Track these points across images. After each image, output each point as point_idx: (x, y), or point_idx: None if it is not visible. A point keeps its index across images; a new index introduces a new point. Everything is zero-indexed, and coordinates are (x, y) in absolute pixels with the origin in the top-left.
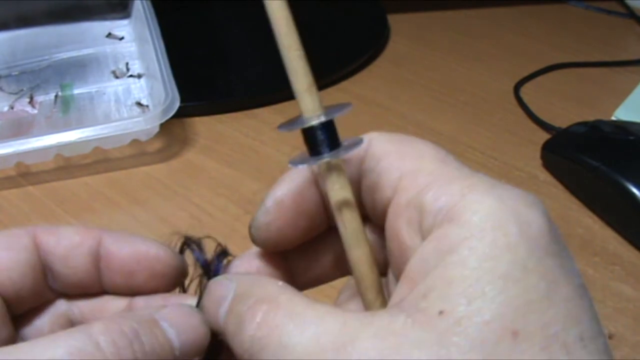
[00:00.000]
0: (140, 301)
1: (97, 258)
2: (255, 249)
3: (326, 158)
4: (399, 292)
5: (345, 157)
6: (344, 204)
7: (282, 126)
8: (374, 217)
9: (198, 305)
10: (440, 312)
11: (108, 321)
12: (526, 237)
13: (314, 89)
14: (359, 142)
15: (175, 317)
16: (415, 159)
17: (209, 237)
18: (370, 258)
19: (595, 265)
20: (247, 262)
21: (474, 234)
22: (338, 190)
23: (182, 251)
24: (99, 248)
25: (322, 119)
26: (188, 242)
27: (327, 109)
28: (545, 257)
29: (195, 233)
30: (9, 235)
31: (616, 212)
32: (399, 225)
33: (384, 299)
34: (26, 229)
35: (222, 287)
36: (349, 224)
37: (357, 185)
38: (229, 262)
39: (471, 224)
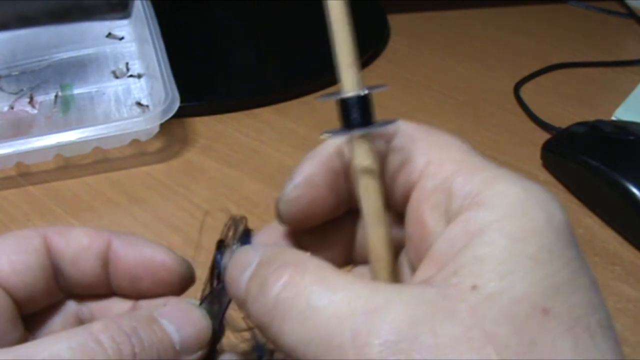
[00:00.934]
0: (143, 303)
1: (105, 261)
2: (266, 230)
3: (358, 132)
4: (423, 271)
5: (376, 132)
6: (369, 181)
7: (321, 97)
8: (394, 202)
9: (201, 303)
10: (473, 287)
11: (107, 320)
12: (551, 226)
13: (357, 65)
14: (392, 121)
15: (174, 313)
16: (442, 147)
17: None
18: (388, 239)
19: (595, 265)
20: (262, 240)
21: (502, 217)
22: (366, 167)
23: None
24: (108, 251)
25: (360, 93)
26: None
27: (366, 87)
28: (568, 247)
29: (195, 233)
30: (21, 238)
31: (616, 212)
32: (423, 209)
33: (396, 281)
34: (37, 230)
35: (247, 255)
36: (372, 202)
37: (381, 168)
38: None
39: (500, 208)
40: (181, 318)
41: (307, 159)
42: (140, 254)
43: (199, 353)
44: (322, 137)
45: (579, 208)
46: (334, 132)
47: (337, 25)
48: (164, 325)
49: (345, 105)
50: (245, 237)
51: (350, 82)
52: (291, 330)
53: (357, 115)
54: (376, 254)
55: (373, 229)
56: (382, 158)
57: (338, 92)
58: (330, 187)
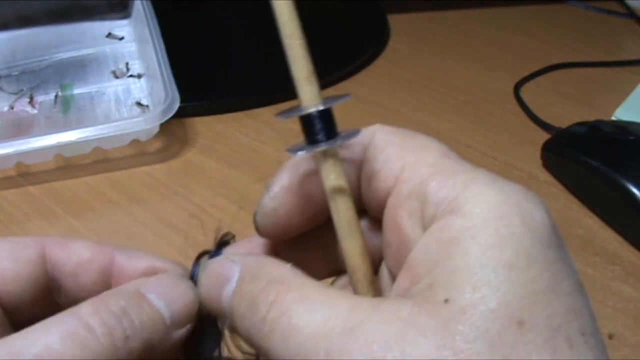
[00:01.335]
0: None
1: (107, 276)
2: (246, 241)
3: (322, 147)
4: (400, 282)
5: (342, 146)
6: (338, 193)
7: (280, 114)
8: (370, 208)
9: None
10: (446, 301)
11: (96, 301)
12: (529, 228)
13: (313, 78)
14: (356, 133)
15: (161, 287)
16: (418, 151)
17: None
18: (363, 249)
19: (595, 265)
20: (241, 250)
21: (476, 224)
22: (333, 180)
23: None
24: (111, 266)
25: (320, 107)
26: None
27: (326, 99)
28: (548, 249)
29: (195, 233)
30: (17, 245)
31: (616, 212)
32: (400, 215)
33: (375, 291)
34: (35, 239)
35: (224, 267)
36: (342, 214)
37: (357, 173)
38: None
39: (473, 214)
40: (169, 291)
41: (283, 169)
42: (148, 266)
43: (188, 326)
44: (286, 154)
45: (579, 208)
46: (298, 149)
47: (289, 40)
48: (153, 301)
49: (305, 120)
50: (217, 249)
51: (308, 97)
52: (275, 348)
53: (318, 129)
54: (352, 265)
55: (346, 241)
56: (358, 165)
57: (298, 108)
58: (308, 197)
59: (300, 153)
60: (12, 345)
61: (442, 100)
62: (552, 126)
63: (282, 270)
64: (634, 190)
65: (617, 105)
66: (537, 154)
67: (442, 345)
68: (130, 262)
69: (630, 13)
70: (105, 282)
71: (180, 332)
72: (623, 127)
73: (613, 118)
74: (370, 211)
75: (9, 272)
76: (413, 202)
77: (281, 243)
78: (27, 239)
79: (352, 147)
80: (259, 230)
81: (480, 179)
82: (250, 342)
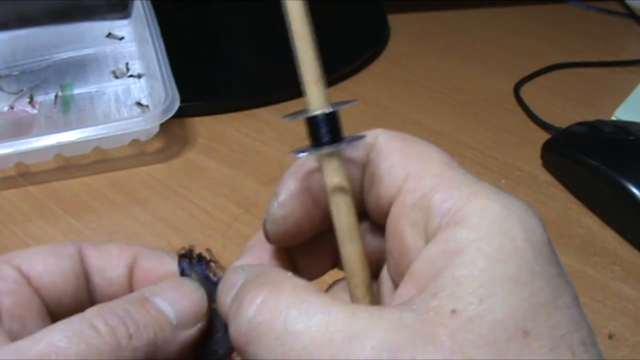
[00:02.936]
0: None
1: (132, 271)
2: (256, 246)
3: (327, 149)
4: (403, 291)
5: (346, 149)
6: (340, 197)
7: (287, 116)
8: (372, 214)
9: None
10: (452, 311)
11: (100, 305)
12: (531, 244)
13: (322, 81)
14: (361, 137)
15: (166, 289)
16: (420, 160)
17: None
18: (362, 255)
19: (595, 265)
20: (252, 258)
21: (482, 236)
22: (336, 184)
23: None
24: (134, 263)
25: (328, 110)
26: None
27: (333, 103)
28: (548, 264)
29: (195, 233)
30: (57, 245)
31: (616, 212)
32: (402, 226)
33: (372, 297)
34: (72, 241)
35: (235, 275)
36: (344, 218)
37: (360, 179)
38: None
39: (479, 227)
40: (174, 293)
41: (289, 174)
42: (167, 268)
43: (198, 326)
44: (290, 156)
45: (579, 208)
46: (303, 151)
47: (300, 43)
48: (157, 303)
49: (312, 123)
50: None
51: (316, 100)
52: (268, 355)
53: (324, 132)
54: (350, 270)
55: (345, 246)
56: (361, 167)
57: (305, 110)
58: (315, 201)
59: (305, 155)
60: (18, 346)
61: (442, 100)
62: (552, 126)
63: (278, 275)
64: (634, 190)
65: (617, 105)
66: (537, 154)
67: (453, 352)
68: (150, 264)
69: (630, 13)
70: (130, 278)
71: (189, 333)
72: (623, 127)
73: (613, 118)
74: (371, 216)
75: (54, 265)
76: (416, 214)
77: (291, 248)
78: (65, 242)
79: (356, 148)
80: (269, 238)
81: (484, 192)
82: (238, 351)
